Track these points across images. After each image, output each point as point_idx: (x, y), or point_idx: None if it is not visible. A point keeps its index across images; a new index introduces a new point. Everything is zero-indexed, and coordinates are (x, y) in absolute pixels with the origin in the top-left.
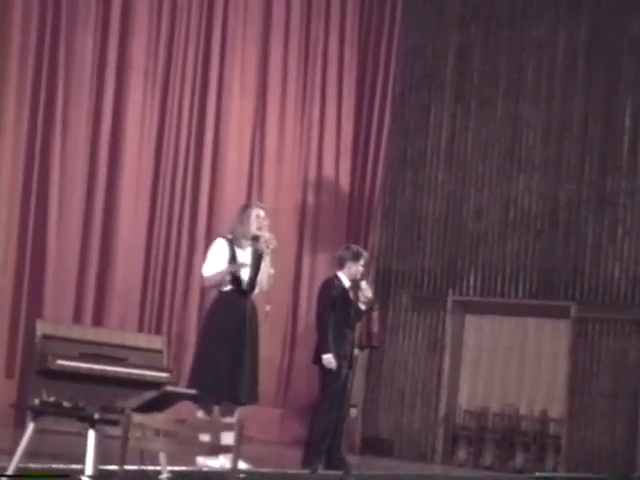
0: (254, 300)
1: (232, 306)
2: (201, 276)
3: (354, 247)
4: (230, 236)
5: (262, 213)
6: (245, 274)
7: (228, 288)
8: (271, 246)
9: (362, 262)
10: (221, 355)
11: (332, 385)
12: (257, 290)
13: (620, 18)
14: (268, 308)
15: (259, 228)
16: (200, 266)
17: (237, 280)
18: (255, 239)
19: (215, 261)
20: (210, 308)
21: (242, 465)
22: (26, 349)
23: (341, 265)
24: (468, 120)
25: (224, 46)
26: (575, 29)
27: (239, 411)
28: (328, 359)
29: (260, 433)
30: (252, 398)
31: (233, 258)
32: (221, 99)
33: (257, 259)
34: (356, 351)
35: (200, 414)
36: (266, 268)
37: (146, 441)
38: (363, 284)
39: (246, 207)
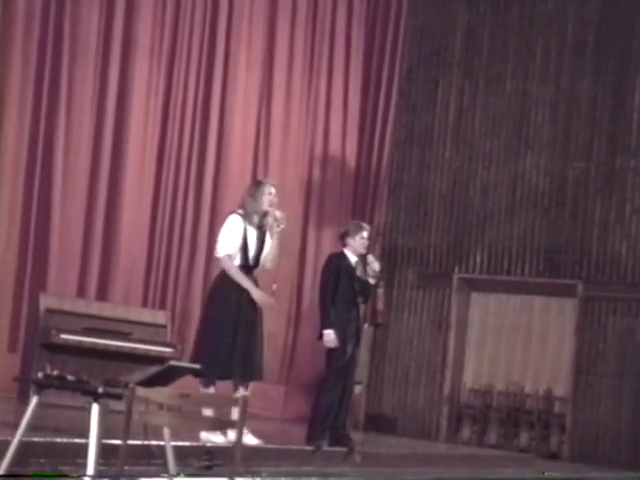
0: (257, 276)
1: (238, 283)
2: (217, 255)
3: (354, 221)
4: (241, 212)
5: (274, 190)
6: (251, 250)
7: (235, 264)
8: (282, 225)
9: (364, 234)
10: (226, 332)
11: (337, 362)
12: (260, 267)
13: None
14: (275, 287)
15: (270, 205)
16: (204, 240)
17: (245, 256)
18: (264, 215)
19: (229, 239)
20: (215, 283)
21: (253, 440)
22: (30, 323)
23: (344, 242)
24: (476, 97)
25: (230, 20)
26: (585, 6)
27: (246, 387)
28: (328, 335)
29: (264, 410)
30: (257, 376)
31: (244, 236)
32: (227, 74)
33: (262, 235)
34: (365, 326)
35: (204, 390)
36: (273, 246)
37: (150, 415)
38: (370, 258)
39: (259, 184)
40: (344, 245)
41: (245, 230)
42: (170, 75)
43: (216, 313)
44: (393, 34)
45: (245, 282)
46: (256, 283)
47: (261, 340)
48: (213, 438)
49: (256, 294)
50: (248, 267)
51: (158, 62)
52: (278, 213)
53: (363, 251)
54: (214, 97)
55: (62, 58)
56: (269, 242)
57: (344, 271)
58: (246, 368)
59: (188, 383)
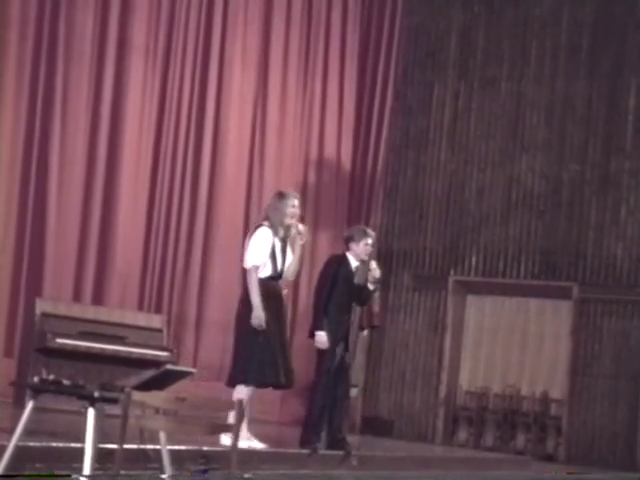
0: (282, 286)
1: (269, 293)
2: (245, 266)
3: (359, 227)
4: (267, 223)
5: (296, 202)
6: (279, 261)
7: (265, 275)
8: (305, 239)
9: (369, 241)
10: (266, 341)
11: (326, 364)
12: (283, 278)
13: None
14: (285, 292)
15: (292, 216)
16: (200, 244)
17: (274, 267)
18: (288, 227)
19: (258, 251)
20: (246, 294)
21: (258, 445)
22: (25, 327)
23: (347, 246)
24: (471, 99)
25: (225, 22)
26: (579, 8)
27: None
28: (320, 336)
29: (260, 413)
30: (292, 382)
31: (273, 248)
32: (222, 75)
33: (284, 246)
34: (365, 332)
35: (242, 394)
36: (295, 259)
37: (146, 419)
38: (373, 264)
39: (283, 195)
40: (347, 249)
41: (273, 242)
42: (165, 77)
43: (250, 322)
44: (388, 36)
45: (256, 299)
46: (281, 294)
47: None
48: (251, 445)
49: (256, 313)
50: (276, 278)
51: (153, 64)
52: (301, 227)
53: (365, 258)
54: (209, 99)
55: (57, 61)
56: (290, 254)
57: (342, 275)
58: (280, 375)
59: (184, 387)
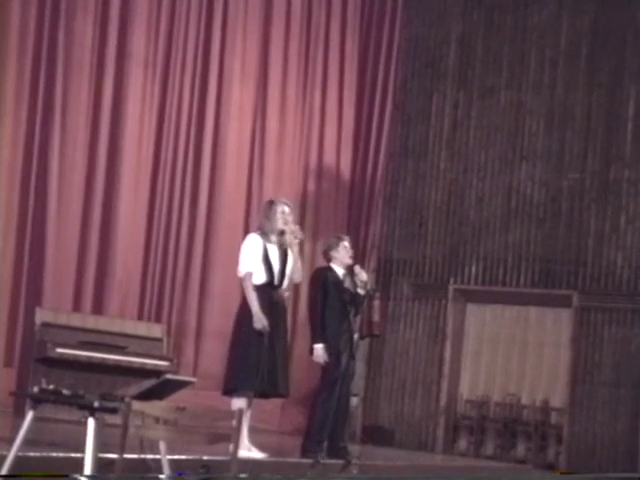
0: (282, 295)
1: (266, 300)
2: (239, 274)
3: (332, 235)
4: (259, 232)
5: (287, 209)
6: (275, 268)
7: (260, 282)
8: (299, 237)
9: (346, 244)
10: (259, 350)
11: (332, 374)
12: (287, 282)
13: (624, 6)
14: (287, 294)
15: (285, 223)
16: (200, 254)
17: (270, 274)
18: (281, 234)
19: (248, 257)
20: (244, 302)
21: (258, 454)
22: (25, 337)
23: (329, 257)
24: (470, 108)
25: (224, 33)
26: (578, 17)
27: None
28: (317, 350)
29: (260, 422)
30: (286, 391)
31: (265, 254)
32: (221, 87)
33: (283, 253)
34: (355, 336)
35: (239, 404)
36: (295, 259)
37: (146, 429)
38: (357, 268)
39: (271, 203)
40: (329, 260)
41: (265, 248)
42: (164, 87)
43: (247, 330)
44: (387, 46)
45: (255, 307)
46: (281, 302)
47: (288, 354)
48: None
49: (257, 317)
50: (273, 285)
51: (152, 74)
52: (292, 226)
53: (349, 261)
54: (208, 110)
55: (56, 72)
56: (291, 260)
57: (332, 285)
58: (273, 383)
59: (184, 396)
